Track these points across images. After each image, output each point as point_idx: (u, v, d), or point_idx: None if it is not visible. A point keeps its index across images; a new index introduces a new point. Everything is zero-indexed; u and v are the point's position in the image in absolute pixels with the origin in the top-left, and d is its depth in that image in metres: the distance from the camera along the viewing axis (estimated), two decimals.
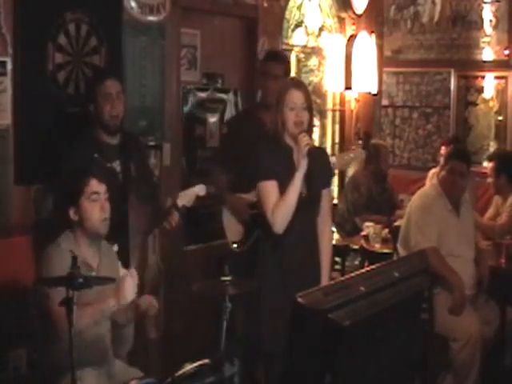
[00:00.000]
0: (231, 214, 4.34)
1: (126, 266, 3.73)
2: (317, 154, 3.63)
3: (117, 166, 3.79)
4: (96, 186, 3.10)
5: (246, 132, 4.33)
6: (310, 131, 3.56)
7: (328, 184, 3.73)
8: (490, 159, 5.64)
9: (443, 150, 6.04)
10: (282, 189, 3.47)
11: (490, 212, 5.50)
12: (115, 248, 3.58)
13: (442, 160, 6.03)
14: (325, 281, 3.60)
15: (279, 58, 4.51)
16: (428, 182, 6.11)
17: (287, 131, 3.50)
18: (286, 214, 3.45)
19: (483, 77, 6.82)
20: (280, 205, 3.45)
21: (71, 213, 3.11)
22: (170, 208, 3.80)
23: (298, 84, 3.61)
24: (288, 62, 4.58)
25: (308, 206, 3.55)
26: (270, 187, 3.50)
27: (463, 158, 4.46)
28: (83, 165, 3.55)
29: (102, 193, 3.12)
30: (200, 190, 3.81)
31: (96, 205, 3.09)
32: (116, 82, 3.79)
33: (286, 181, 3.44)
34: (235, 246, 4.32)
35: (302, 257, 3.54)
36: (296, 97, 3.48)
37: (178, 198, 3.78)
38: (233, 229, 4.34)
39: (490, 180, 5.46)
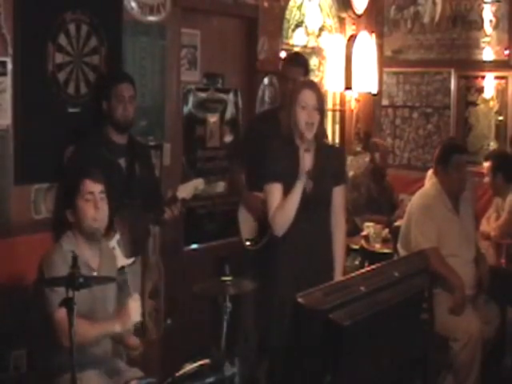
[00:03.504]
0: (247, 211, 4.37)
1: (128, 255, 3.77)
2: (331, 152, 3.69)
3: (122, 162, 3.88)
4: (90, 186, 3.12)
5: (265, 133, 4.35)
6: (320, 134, 3.58)
7: (341, 181, 3.73)
8: (485, 159, 5.65)
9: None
10: (289, 190, 3.50)
11: (490, 212, 5.50)
12: (117, 237, 3.62)
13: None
14: (338, 274, 3.63)
15: (298, 61, 4.56)
16: (427, 182, 6.12)
17: (297, 130, 3.52)
18: (284, 218, 3.49)
19: (483, 77, 6.81)
20: (279, 209, 3.49)
21: (68, 214, 3.13)
22: (170, 199, 3.86)
23: (311, 85, 3.68)
24: (307, 65, 4.64)
25: (315, 202, 3.57)
26: (273, 190, 3.54)
27: (462, 150, 4.56)
28: (89, 162, 3.63)
29: (97, 192, 3.13)
30: (198, 183, 3.86)
31: (90, 204, 3.10)
32: (130, 86, 3.93)
33: (293, 182, 3.47)
34: (248, 243, 4.35)
35: (310, 254, 3.55)
36: (308, 97, 3.52)
37: (178, 190, 3.82)
38: (248, 226, 4.39)
39: (486, 180, 5.46)
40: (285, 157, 3.55)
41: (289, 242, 3.54)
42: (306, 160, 3.47)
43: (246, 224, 4.39)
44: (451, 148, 4.55)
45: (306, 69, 4.53)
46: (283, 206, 3.48)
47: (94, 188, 3.13)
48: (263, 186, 4.22)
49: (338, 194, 3.69)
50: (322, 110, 3.58)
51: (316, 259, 3.57)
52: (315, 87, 3.64)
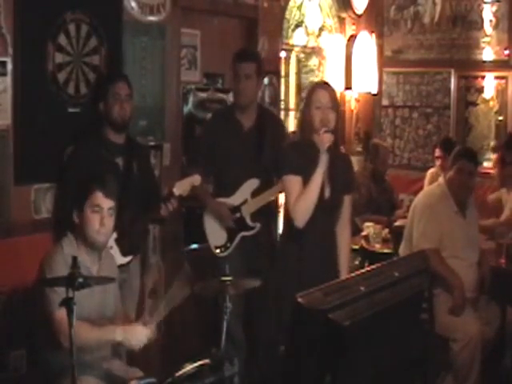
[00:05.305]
0: (213, 218, 4.34)
1: (125, 253, 3.77)
2: (340, 160, 3.72)
3: (120, 161, 3.89)
4: (100, 200, 3.08)
5: (222, 133, 4.32)
6: (336, 132, 3.60)
7: (350, 189, 3.79)
8: (494, 150, 5.63)
9: (437, 152, 6.06)
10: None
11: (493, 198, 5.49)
12: (114, 236, 3.63)
13: (436, 162, 6.05)
14: (344, 274, 3.64)
15: (249, 57, 4.38)
16: (426, 183, 6.12)
17: (314, 130, 3.55)
18: (306, 208, 3.50)
19: (483, 77, 6.82)
20: (301, 199, 3.51)
21: (74, 215, 3.13)
22: (167, 196, 3.86)
23: (324, 85, 3.74)
24: (259, 60, 4.42)
25: (330, 208, 3.63)
26: (293, 182, 3.56)
27: (471, 158, 4.45)
28: (89, 162, 3.63)
29: (106, 208, 3.09)
30: (195, 179, 3.86)
31: (96, 217, 3.08)
32: (126, 85, 3.93)
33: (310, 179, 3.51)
34: (218, 250, 4.33)
35: (321, 257, 3.60)
36: (322, 96, 3.57)
37: (175, 187, 3.82)
38: (215, 233, 4.36)
39: (494, 171, 5.44)
40: (301, 154, 3.58)
41: (304, 242, 3.56)
42: (326, 139, 3.47)
43: (214, 231, 4.36)
44: (462, 153, 4.51)
45: (258, 64, 4.32)
46: (305, 193, 3.50)
47: (104, 203, 3.09)
48: (234, 188, 4.23)
49: (347, 203, 3.75)
50: (336, 110, 3.62)
51: (325, 260, 3.62)
52: (329, 87, 3.68)
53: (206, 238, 4.41)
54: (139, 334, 2.97)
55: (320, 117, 3.54)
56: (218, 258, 4.30)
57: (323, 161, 3.49)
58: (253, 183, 4.29)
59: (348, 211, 3.77)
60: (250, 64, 4.28)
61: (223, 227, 4.34)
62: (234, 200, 4.31)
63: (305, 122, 3.62)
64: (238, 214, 4.31)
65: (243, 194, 4.29)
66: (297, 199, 3.51)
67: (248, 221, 4.31)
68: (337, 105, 3.65)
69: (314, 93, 3.62)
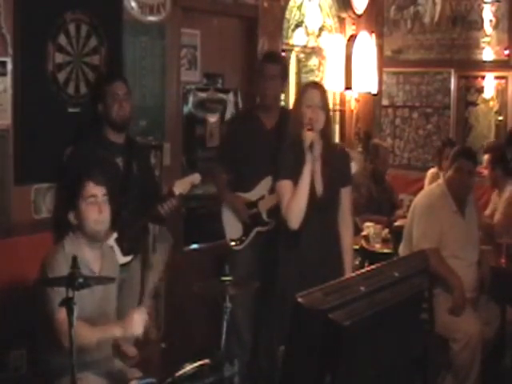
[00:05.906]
0: (231, 212, 4.39)
1: (125, 253, 3.77)
2: (336, 153, 3.74)
3: (120, 161, 3.89)
4: (93, 189, 3.12)
5: (245, 132, 4.39)
6: (326, 131, 3.64)
7: (346, 182, 3.77)
8: (485, 152, 5.64)
9: (448, 151, 6.03)
10: None
11: (491, 208, 5.49)
12: (114, 236, 3.63)
13: (446, 162, 6.03)
14: (348, 271, 3.66)
15: (275, 58, 4.55)
16: (426, 182, 6.11)
17: (303, 128, 3.57)
18: (298, 208, 3.52)
19: (483, 77, 6.82)
20: (292, 200, 3.53)
21: (71, 217, 3.14)
22: (167, 195, 3.87)
23: (315, 84, 3.83)
24: (285, 63, 4.59)
25: (326, 205, 3.63)
26: (285, 186, 3.59)
27: (470, 157, 4.46)
28: (88, 162, 3.63)
29: (100, 195, 3.13)
30: (195, 178, 3.88)
31: (93, 207, 3.11)
32: (123, 84, 3.94)
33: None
34: (233, 243, 4.37)
35: (321, 256, 3.60)
36: (313, 95, 3.61)
37: (174, 186, 3.83)
38: (232, 227, 4.42)
39: (485, 173, 5.45)
40: (293, 155, 3.60)
41: (301, 243, 3.58)
42: (307, 137, 3.51)
43: (230, 224, 4.42)
44: (460, 152, 4.51)
45: (283, 67, 4.50)
46: (295, 194, 3.53)
47: (97, 191, 3.12)
48: (252, 185, 4.26)
49: (345, 196, 3.74)
50: (326, 109, 3.65)
51: (325, 259, 3.62)
52: (320, 87, 3.73)
53: (223, 230, 4.46)
54: (136, 323, 2.98)
55: (310, 115, 3.57)
56: (225, 257, 4.32)
57: (308, 160, 3.52)
58: (271, 180, 4.32)
59: (347, 206, 3.75)
60: (276, 66, 4.41)
61: (240, 221, 4.38)
62: (252, 195, 4.37)
63: (295, 120, 3.65)
64: (254, 210, 4.35)
65: (261, 190, 4.35)
66: (288, 201, 3.54)
67: (264, 216, 4.35)
68: (327, 105, 3.70)
69: (305, 92, 3.67)
